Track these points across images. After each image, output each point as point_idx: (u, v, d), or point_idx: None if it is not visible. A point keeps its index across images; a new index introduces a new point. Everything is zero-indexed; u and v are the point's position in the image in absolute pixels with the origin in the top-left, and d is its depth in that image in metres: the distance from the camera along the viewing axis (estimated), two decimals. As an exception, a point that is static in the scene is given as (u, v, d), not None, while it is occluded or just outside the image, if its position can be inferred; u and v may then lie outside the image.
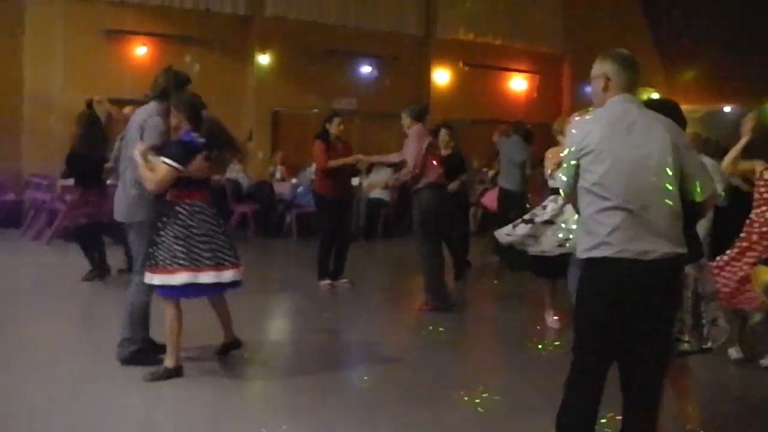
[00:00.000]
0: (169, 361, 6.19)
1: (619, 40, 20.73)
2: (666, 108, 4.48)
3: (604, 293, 4.04)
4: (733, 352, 7.09)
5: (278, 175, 16.43)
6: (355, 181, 12.01)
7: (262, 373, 6.60)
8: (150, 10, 15.83)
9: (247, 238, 14.27)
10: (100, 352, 6.65)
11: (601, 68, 4.27)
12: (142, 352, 6.46)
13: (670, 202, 4.05)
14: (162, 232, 6.12)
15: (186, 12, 16.07)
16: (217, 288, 6.36)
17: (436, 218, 9.12)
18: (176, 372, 6.18)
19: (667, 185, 4.04)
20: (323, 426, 5.27)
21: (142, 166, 6.11)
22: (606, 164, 4.01)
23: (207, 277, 6.13)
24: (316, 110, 17.62)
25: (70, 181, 12.63)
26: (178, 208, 6.17)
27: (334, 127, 10.31)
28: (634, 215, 3.96)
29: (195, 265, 6.08)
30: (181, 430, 5.18)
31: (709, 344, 4.58)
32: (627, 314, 4.02)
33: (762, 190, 7.02)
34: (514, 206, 11.31)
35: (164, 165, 6.06)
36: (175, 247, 6.05)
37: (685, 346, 4.54)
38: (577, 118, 4.34)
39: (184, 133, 6.30)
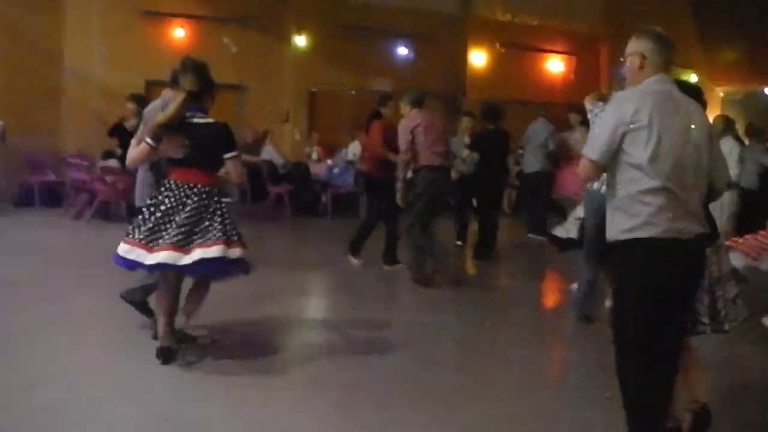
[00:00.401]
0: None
1: (658, 19, 20.71)
2: (692, 92, 4.50)
3: (650, 273, 4.06)
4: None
5: (314, 156, 16.53)
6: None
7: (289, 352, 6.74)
8: (188, -9, 15.94)
9: (284, 219, 14.40)
10: (129, 322, 6.86)
11: (638, 46, 4.29)
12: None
13: (704, 185, 4.15)
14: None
15: (223, -8, 16.16)
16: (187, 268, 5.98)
17: (427, 199, 9.27)
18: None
19: (704, 169, 4.13)
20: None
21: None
22: (655, 142, 4.01)
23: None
24: (353, 91, 17.72)
25: (110, 162, 12.87)
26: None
27: (388, 110, 10.32)
28: (677, 196, 4.02)
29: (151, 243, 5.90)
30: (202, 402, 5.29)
31: (726, 326, 4.67)
32: (670, 292, 4.08)
33: None
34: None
35: (144, 142, 6.10)
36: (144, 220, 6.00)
37: (703, 327, 4.64)
38: (620, 93, 4.29)
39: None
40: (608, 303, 7.76)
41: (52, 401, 5.12)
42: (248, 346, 6.67)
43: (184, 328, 6.46)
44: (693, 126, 4.13)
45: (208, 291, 6.39)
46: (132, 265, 5.99)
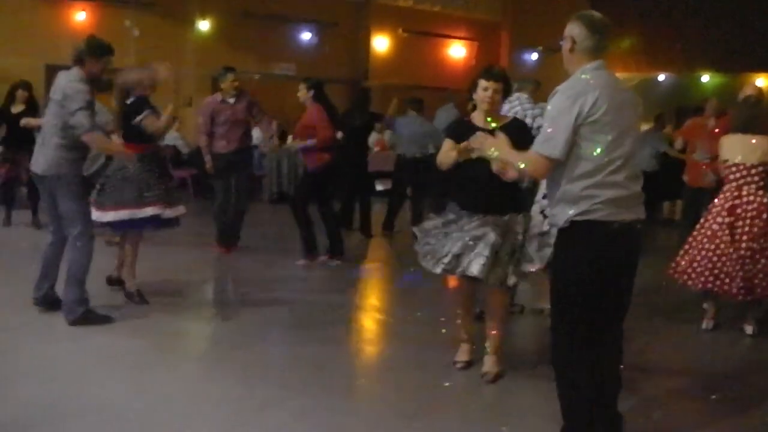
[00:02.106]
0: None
1: (556, 8, 21.21)
2: None
3: (596, 257, 4.21)
4: (749, 328, 7.29)
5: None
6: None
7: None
8: (90, -26, 15.72)
9: (188, 202, 14.36)
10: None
11: (569, 30, 4.30)
12: (92, 311, 6.71)
13: (640, 172, 4.40)
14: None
15: (126, -24, 16.00)
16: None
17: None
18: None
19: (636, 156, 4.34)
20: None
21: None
22: (611, 134, 4.12)
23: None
24: (257, 76, 17.72)
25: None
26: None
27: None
28: (625, 187, 4.20)
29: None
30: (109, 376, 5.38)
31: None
32: (614, 276, 4.27)
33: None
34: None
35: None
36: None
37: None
38: (569, 84, 4.32)
39: None
40: None
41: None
42: (152, 325, 6.79)
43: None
44: (633, 117, 4.30)
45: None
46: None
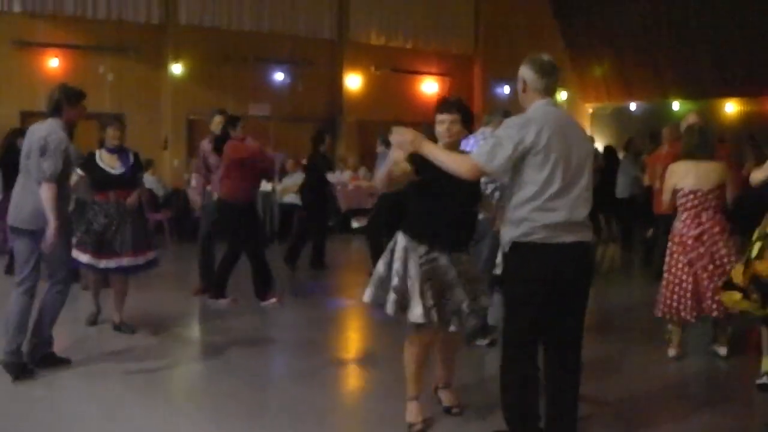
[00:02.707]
0: None
1: (529, 40, 21.44)
2: None
3: (538, 274, 4.57)
4: (722, 350, 7.43)
5: (193, 183, 16.56)
6: (267, 186, 12.31)
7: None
8: (62, 20, 15.84)
9: (164, 245, 14.44)
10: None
11: (521, 73, 4.73)
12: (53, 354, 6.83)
13: (587, 198, 4.66)
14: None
15: (99, 22, 16.15)
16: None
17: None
18: None
19: (586, 184, 4.64)
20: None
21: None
22: (552, 163, 4.46)
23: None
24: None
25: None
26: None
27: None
28: (564, 214, 4.52)
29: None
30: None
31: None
32: (556, 293, 4.60)
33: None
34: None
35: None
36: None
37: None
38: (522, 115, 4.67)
39: None
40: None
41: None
42: (126, 363, 6.92)
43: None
44: (581, 148, 4.64)
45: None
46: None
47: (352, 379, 7.08)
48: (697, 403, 6.34)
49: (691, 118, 8.60)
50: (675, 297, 7.22)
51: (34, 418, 5.55)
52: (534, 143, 4.45)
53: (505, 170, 4.56)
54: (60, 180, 6.42)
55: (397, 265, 5.16)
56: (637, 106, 22.68)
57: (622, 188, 14.14)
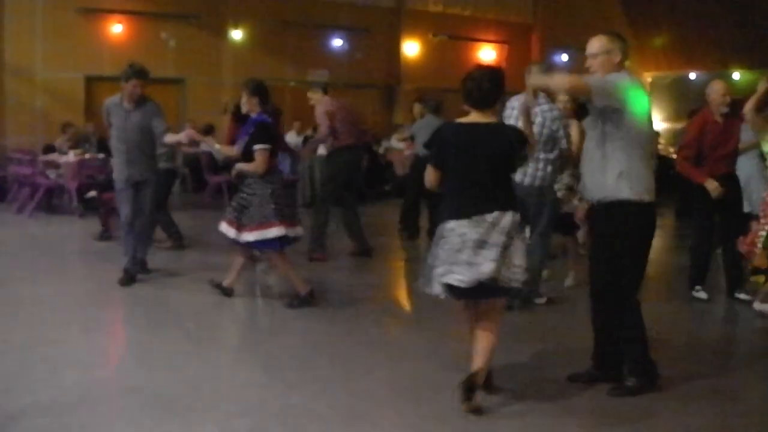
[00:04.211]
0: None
1: (587, 8, 21.33)
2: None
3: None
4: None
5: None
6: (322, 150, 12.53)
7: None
8: (126, -13, 16.20)
9: (222, 207, 14.74)
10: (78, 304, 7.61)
11: (615, 45, 5.36)
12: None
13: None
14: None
15: (161, -12, 16.48)
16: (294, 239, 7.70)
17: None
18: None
19: None
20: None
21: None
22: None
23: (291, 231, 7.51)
24: (292, 83, 18.16)
25: (50, 156, 13.21)
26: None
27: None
28: None
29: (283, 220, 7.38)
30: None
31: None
32: None
33: None
34: None
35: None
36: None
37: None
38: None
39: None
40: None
41: (8, 372, 5.61)
42: (185, 319, 7.25)
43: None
44: None
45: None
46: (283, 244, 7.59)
47: (408, 335, 7.26)
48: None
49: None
50: None
51: (98, 367, 5.87)
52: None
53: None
54: None
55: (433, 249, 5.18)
56: (696, 76, 22.45)
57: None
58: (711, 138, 8.09)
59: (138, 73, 8.16)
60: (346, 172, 10.24)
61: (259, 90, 7.54)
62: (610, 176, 5.23)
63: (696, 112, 15.07)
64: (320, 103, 10.20)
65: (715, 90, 8.14)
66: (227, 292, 7.80)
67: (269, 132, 7.52)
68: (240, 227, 7.40)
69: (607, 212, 5.36)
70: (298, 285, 7.67)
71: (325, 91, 10.34)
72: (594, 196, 5.47)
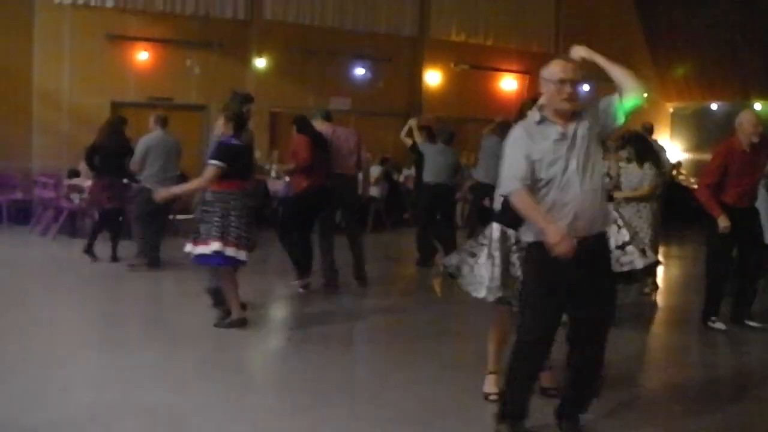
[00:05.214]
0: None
1: (611, 38, 21.49)
2: None
3: None
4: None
5: (273, 174, 16.99)
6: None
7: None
8: (152, 15, 16.42)
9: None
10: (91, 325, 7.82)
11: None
12: None
13: None
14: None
15: (186, 17, 16.70)
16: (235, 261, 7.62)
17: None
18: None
19: None
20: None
21: None
22: None
23: (231, 251, 7.48)
24: (314, 111, 18.31)
25: (75, 181, 13.45)
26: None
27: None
28: None
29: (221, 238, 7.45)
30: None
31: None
32: None
33: None
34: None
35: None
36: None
37: None
38: None
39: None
40: None
41: (25, 389, 5.79)
42: (199, 342, 7.40)
43: None
44: None
45: None
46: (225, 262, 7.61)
47: (414, 363, 7.37)
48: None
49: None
50: None
51: (112, 386, 6.03)
52: None
53: None
54: None
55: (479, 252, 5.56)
56: (718, 107, 22.47)
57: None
58: (737, 167, 8.07)
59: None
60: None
61: (237, 118, 7.80)
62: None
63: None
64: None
65: (748, 119, 8.07)
66: (241, 323, 7.81)
67: (229, 153, 7.60)
68: (194, 242, 7.61)
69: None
70: (233, 306, 7.78)
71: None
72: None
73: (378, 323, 8.60)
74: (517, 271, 5.40)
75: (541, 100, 4.96)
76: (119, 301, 8.90)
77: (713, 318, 8.37)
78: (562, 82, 4.73)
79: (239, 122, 7.79)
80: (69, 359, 6.67)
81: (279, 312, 9.07)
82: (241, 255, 7.60)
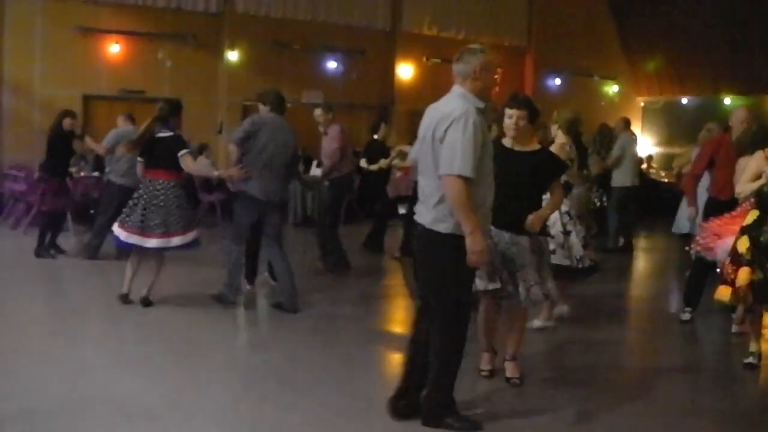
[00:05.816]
0: None
1: (583, 33, 21.54)
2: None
3: None
4: None
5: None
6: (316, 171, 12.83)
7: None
8: (124, 8, 16.38)
9: (216, 225, 14.93)
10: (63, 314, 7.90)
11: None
12: None
13: None
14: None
15: (159, 10, 16.65)
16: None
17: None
18: None
19: None
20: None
21: None
22: None
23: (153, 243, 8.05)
24: (288, 104, 18.33)
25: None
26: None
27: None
28: None
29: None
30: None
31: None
32: None
33: None
34: None
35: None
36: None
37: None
38: None
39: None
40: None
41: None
42: (170, 334, 7.47)
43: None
44: None
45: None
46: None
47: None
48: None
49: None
50: None
51: (80, 377, 6.08)
52: None
53: None
54: None
55: None
56: (688, 101, 22.67)
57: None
58: (723, 155, 8.41)
59: None
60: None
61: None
62: None
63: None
64: (329, 124, 10.77)
65: (737, 116, 8.77)
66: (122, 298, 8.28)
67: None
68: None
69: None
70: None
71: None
72: None
73: (348, 313, 8.67)
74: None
75: None
76: (90, 293, 8.93)
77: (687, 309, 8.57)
78: None
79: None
80: (39, 351, 6.74)
81: (249, 304, 9.09)
82: (133, 239, 8.07)
